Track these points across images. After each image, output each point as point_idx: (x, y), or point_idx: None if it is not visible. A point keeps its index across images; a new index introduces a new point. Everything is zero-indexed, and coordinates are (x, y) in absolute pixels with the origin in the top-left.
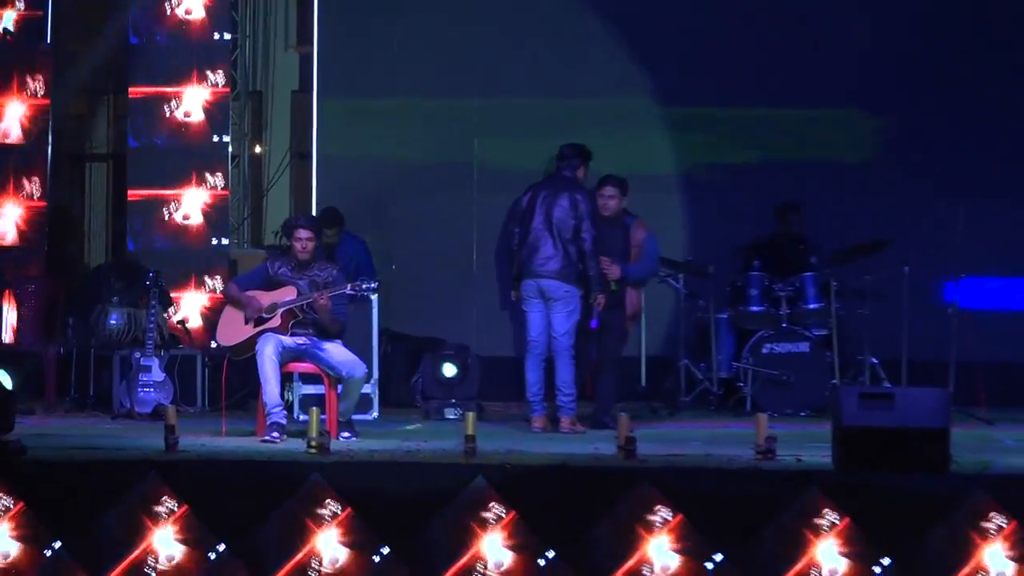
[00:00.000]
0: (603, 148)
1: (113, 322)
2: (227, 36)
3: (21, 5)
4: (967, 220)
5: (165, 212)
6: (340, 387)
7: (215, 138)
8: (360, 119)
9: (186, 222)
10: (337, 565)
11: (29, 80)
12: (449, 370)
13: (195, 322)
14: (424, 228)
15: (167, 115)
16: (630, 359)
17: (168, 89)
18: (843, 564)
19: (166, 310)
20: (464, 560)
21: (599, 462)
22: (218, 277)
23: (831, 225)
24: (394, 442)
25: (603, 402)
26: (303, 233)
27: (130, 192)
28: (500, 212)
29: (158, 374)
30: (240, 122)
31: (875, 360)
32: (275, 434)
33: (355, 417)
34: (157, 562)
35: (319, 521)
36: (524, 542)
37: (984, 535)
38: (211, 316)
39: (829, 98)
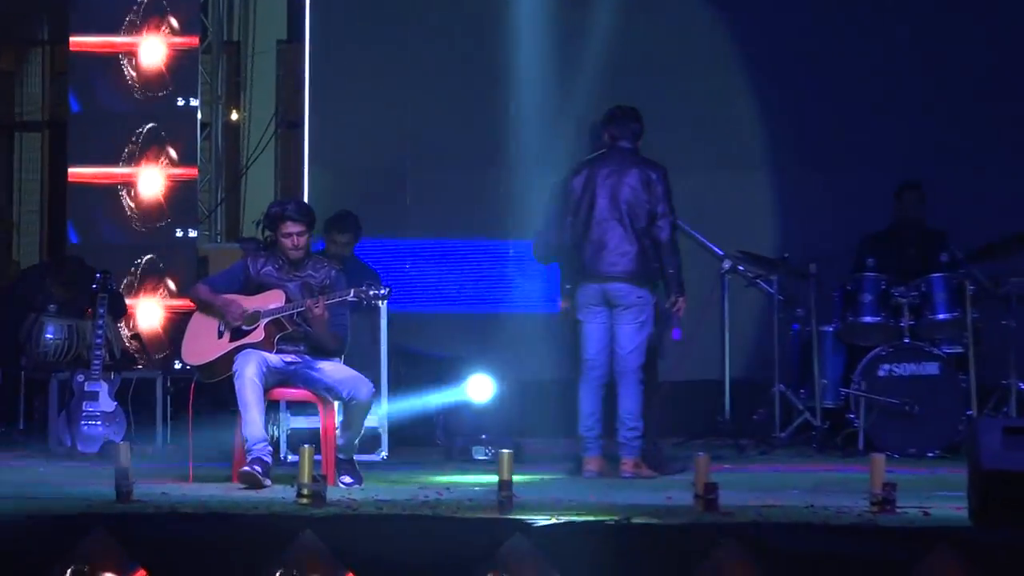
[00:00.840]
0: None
1: (50, 336)
2: None
3: None
4: None
5: (116, 196)
6: (340, 418)
7: (180, 101)
8: (367, 77)
9: (143, 209)
10: None
11: None
12: (479, 398)
13: (154, 336)
14: (447, 217)
15: (118, 73)
16: (709, 383)
17: (119, 40)
18: None
19: (118, 321)
20: None
21: (671, 516)
22: (184, 278)
23: (964, 213)
24: (408, 490)
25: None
26: (292, 227)
27: (71, 170)
28: (542, 197)
29: (107, 403)
30: (212, 81)
31: (1023, 385)
32: (257, 467)
33: (359, 457)
34: None
35: None
36: None
37: None
38: (175, 328)
39: None
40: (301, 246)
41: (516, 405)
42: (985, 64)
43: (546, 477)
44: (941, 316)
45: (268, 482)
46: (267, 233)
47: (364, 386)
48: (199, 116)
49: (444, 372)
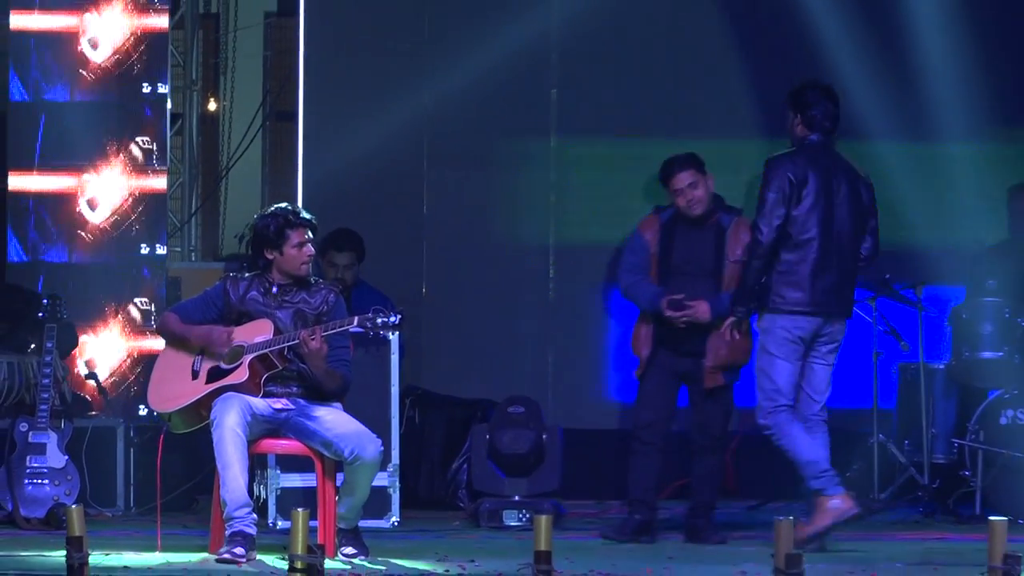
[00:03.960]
0: None
1: None
2: None
3: None
4: None
5: (68, 204)
6: (341, 476)
7: (146, 88)
8: (373, 57)
9: (100, 220)
10: None
11: None
12: (512, 449)
13: (114, 376)
14: (474, 229)
15: (70, 53)
16: None
17: (70, 13)
18: None
19: (67, 356)
20: None
21: None
22: (151, 304)
23: None
24: (425, 563)
25: (707, 499)
26: (303, 234)
27: (11, 173)
28: (585, 203)
29: (56, 457)
30: (185, 63)
31: None
32: (238, 550)
33: (364, 523)
34: None
35: None
36: None
37: None
38: (139, 366)
39: None
40: (311, 259)
41: (559, 459)
42: None
43: (592, 546)
44: None
45: (254, 555)
46: (253, 250)
47: (371, 443)
48: (169, 106)
49: (470, 419)
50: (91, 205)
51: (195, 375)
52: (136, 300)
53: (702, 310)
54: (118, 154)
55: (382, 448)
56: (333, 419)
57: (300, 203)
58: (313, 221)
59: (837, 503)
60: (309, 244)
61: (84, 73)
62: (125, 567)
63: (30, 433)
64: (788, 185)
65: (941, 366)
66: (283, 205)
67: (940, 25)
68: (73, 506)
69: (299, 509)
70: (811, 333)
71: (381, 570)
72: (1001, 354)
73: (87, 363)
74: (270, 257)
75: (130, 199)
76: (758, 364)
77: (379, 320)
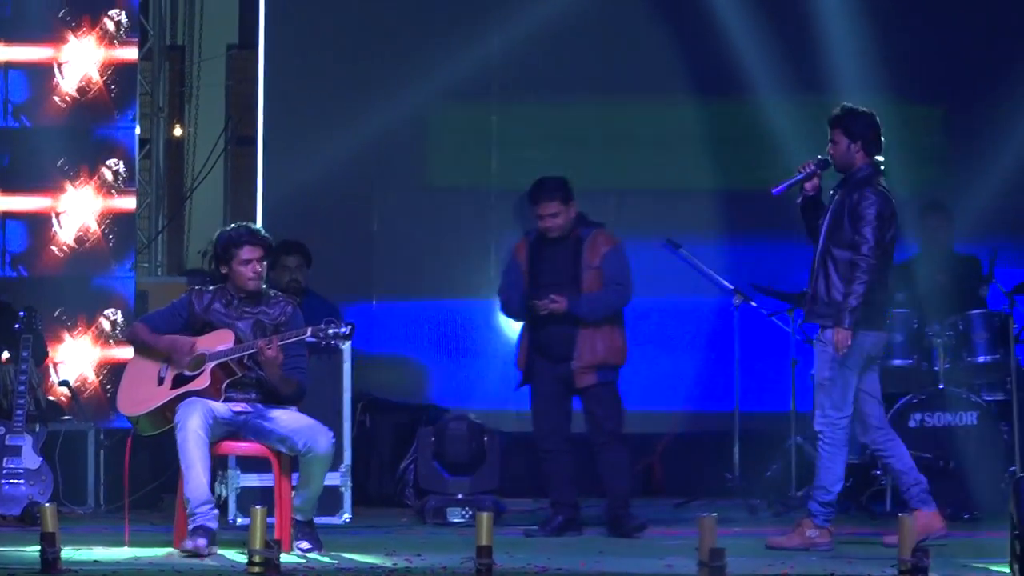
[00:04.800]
0: None
1: None
2: None
3: None
4: None
5: (43, 223)
6: (296, 476)
7: (115, 115)
8: (328, 87)
9: (73, 237)
10: None
11: None
12: (455, 452)
13: (86, 383)
14: (420, 246)
15: (46, 82)
16: (715, 435)
17: (46, 45)
18: None
19: (40, 364)
20: None
21: None
22: (120, 317)
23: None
24: (374, 557)
25: (620, 490)
26: (250, 251)
27: None
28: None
29: (31, 459)
30: (153, 92)
31: None
32: (201, 541)
33: (318, 520)
34: None
35: None
36: None
37: None
38: (109, 374)
39: None
40: (260, 274)
41: (499, 460)
42: None
43: (531, 542)
44: (981, 359)
45: (214, 550)
46: (214, 264)
47: (323, 436)
48: (137, 132)
49: (416, 423)
50: (64, 223)
51: (161, 381)
52: (106, 312)
53: (560, 305)
54: (90, 176)
55: (334, 440)
56: (288, 418)
57: (259, 222)
58: (264, 238)
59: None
60: (256, 262)
61: (58, 101)
62: (95, 561)
63: (6, 437)
64: (891, 211)
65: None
66: (239, 224)
67: None
68: (47, 504)
69: (257, 507)
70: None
71: (333, 564)
72: (910, 361)
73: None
74: (224, 271)
75: (101, 218)
76: (827, 375)
77: (331, 331)
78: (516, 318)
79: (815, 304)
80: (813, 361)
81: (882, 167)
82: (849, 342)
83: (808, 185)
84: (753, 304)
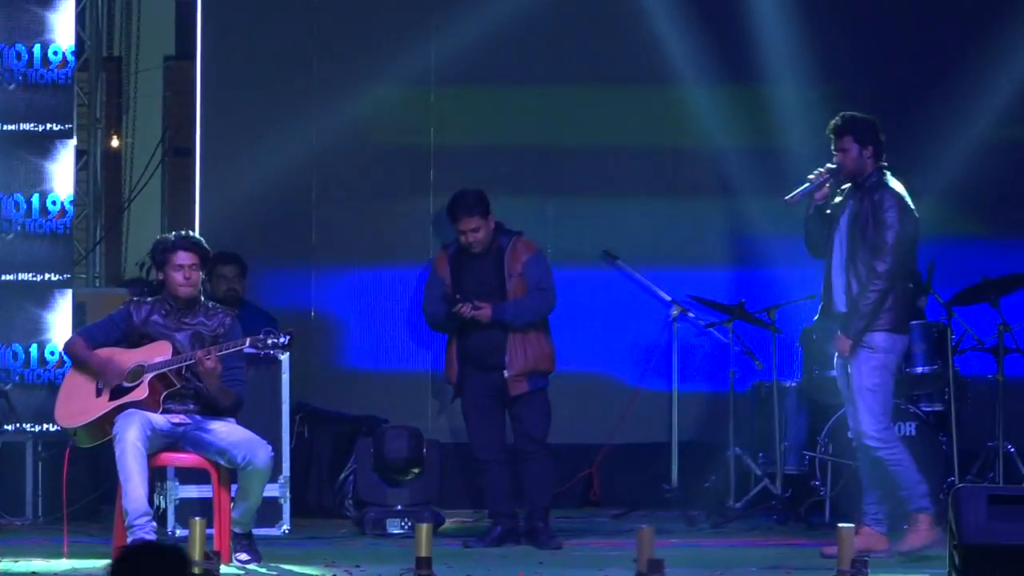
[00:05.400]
0: None
1: None
2: None
3: None
4: None
5: None
6: (235, 487)
7: (52, 126)
8: (266, 98)
9: (6, 249)
10: None
11: None
12: (395, 463)
13: (21, 393)
14: (359, 257)
15: None
16: (654, 446)
17: None
18: None
19: None
20: None
21: None
22: (57, 328)
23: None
24: (314, 568)
25: (541, 502)
26: (183, 257)
27: None
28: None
29: None
30: (90, 103)
31: (1011, 448)
32: None
33: (257, 531)
34: None
35: None
36: None
37: None
38: (47, 385)
39: None
40: (194, 281)
41: (438, 471)
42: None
43: (471, 553)
44: (919, 369)
45: None
46: (152, 274)
47: (262, 449)
48: (74, 142)
49: (356, 434)
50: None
51: (99, 393)
52: (44, 322)
53: (484, 312)
54: (25, 186)
55: (272, 454)
56: (227, 430)
57: (197, 232)
58: (200, 246)
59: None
60: (188, 268)
61: None
62: (33, 573)
63: None
64: (911, 210)
65: (793, 384)
66: (176, 235)
67: None
68: None
69: (196, 518)
70: None
71: (272, 575)
72: None
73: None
74: (160, 278)
75: (37, 229)
76: (873, 382)
77: (270, 341)
78: (442, 331)
79: (852, 317)
80: (844, 371)
81: (887, 170)
82: (848, 350)
83: (818, 195)
84: (691, 315)
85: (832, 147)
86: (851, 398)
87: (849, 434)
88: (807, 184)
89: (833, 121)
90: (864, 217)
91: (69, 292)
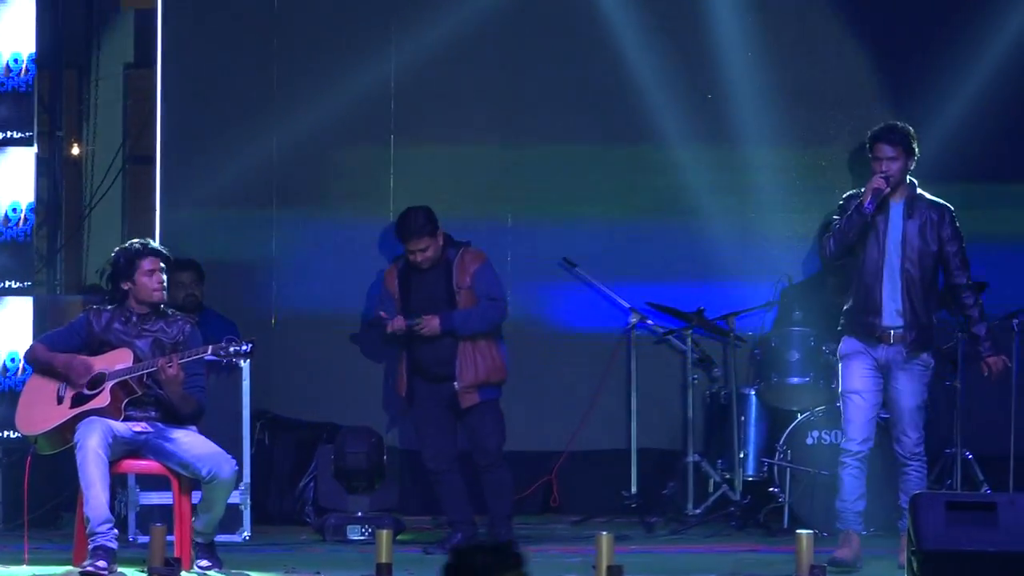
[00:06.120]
0: None
1: None
2: None
3: None
4: None
5: None
6: (197, 494)
7: (13, 134)
8: (227, 106)
9: None
10: None
11: None
12: (355, 470)
13: None
14: (320, 264)
15: None
16: (612, 453)
17: None
18: None
19: None
20: None
21: None
22: (17, 336)
23: None
24: (274, 575)
25: (502, 510)
26: (154, 262)
27: None
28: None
29: None
30: (51, 112)
31: (969, 455)
32: (101, 563)
33: (218, 538)
34: None
35: None
36: None
37: None
38: (7, 392)
39: None
40: (165, 285)
41: (397, 477)
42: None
43: (432, 560)
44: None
45: (115, 568)
46: (114, 283)
47: (227, 463)
48: (35, 150)
49: (316, 440)
50: None
51: (60, 400)
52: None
53: (432, 325)
54: None
55: (237, 467)
56: (190, 441)
57: (157, 240)
58: (163, 252)
59: None
60: (159, 273)
61: None
62: None
63: None
64: None
65: (752, 390)
66: (140, 242)
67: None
68: None
69: (157, 525)
70: None
71: None
72: (807, 379)
73: None
74: (126, 288)
75: None
76: (924, 399)
77: (231, 348)
78: (393, 343)
79: (913, 330)
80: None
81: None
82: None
83: (868, 202)
84: (649, 322)
85: (873, 152)
86: (898, 412)
87: (892, 445)
88: (877, 188)
89: (879, 128)
90: (930, 230)
91: (30, 300)
